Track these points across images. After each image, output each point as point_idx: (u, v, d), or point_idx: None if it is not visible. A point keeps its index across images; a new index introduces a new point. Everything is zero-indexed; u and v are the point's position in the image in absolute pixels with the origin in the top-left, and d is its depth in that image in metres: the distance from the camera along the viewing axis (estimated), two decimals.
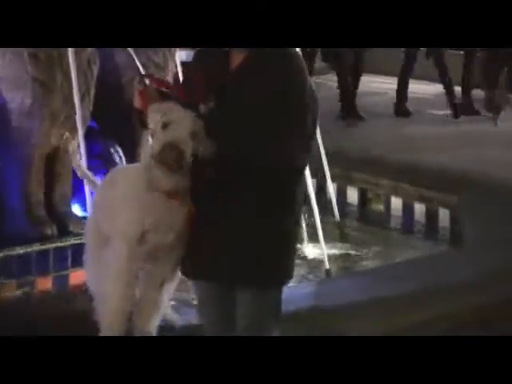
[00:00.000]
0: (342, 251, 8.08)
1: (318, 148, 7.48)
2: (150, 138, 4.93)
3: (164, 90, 5.06)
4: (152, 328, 5.02)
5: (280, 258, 4.73)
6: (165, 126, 4.68)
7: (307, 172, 6.71)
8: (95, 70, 6.73)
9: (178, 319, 5.69)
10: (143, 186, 4.89)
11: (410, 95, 15.40)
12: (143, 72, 7.06)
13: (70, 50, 6.65)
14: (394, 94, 15.71)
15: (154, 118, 4.77)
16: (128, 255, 4.92)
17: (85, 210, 6.86)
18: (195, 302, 5.08)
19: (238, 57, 4.75)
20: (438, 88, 15.75)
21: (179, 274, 4.91)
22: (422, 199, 8.99)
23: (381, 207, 9.37)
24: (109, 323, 5.02)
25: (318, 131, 5.84)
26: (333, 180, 8.42)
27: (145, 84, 4.93)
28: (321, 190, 8.25)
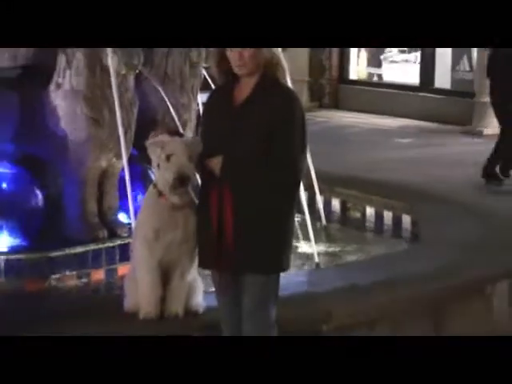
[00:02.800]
0: (328, 248, 7.95)
1: (309, 168, 7.40)
2: (156, 168, 5.06)
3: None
4: (179, 310, 5.12)
5: (280, 252, 4.81)
6: (168, 158, 4.82)
7: (301, 187, 6.41)
8: (135, 109, 6.78)
9: (201, 304, 5.40)
10: (155, 199, 5.11)
11: (379, 127, 15.88)
12: (172, 110, 7.19)
13: (115, 94, 6.49)
14: (362, 126, 16.09)
15: (154, 151, 4.92)
16: (148, 248, 5.12)
17: (128, 217, 6.88)
18: (213, 289, 5.11)
19: (245, 90, 4.80)
20: (401, 121, 16.39)
21: (196, 265, 5.03)
22: (388, 208, 8.77)
23: (357, 214, 9.20)
24: (143, 304, 5.19)
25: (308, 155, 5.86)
26: (320, 193, 8.30)
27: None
28: (311, 200, 8.04)
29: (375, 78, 19.16)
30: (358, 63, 19.72)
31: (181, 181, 4.90)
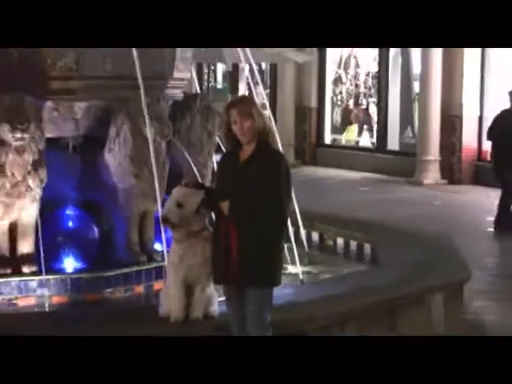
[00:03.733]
0: (309, 269, 8.42)
1: (294, 208, 7.92)
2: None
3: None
4: (200, 315, 5.60)
5: (273, 271, 5.23)
6: (179, 205, 5.31)
7: (289, 222, 6.65)
8: (167, 166, 7.23)
9: (216, 310, 5.82)
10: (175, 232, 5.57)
11: (346, 179, 17.92)
12: (194, 167, 7.62)
13: (152, 156, 6.75)
14: (334, 178, 17.84)
15: (171, 198, 5.47)
16: (174, 270, 5.57)
17: (161, 246, 7.17)
18: (224, 299, 5.47)
19: (247, 152, 5.15)
20: (361, 175, 18.22)
21: (212, 281, 5.47)
22: (354, 238, 9.34)
23: (331, 243, 9.58)
24: (173, 310, 5.65)
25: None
26: (303, 227, 8.79)
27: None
28: (296, 232, 8.59)
29: (342, 142, 20.17)
30: (331, 132, 20.93)
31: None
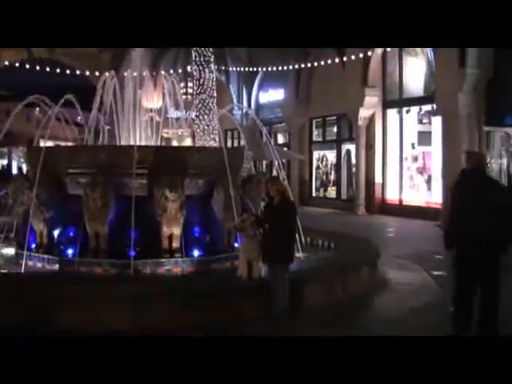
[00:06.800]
0: (304, 255, 9.13)
1: (299, 226, 7.66)
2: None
3: None
4: (256, 275, 6.43)
5: (290, 253, 6.15)
6: (244, 222, 6.30)
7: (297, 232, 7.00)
8: (239, 207, 8.12)
9: (262, 271, 6.55)
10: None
11: (327, 211, 23.26)
12: (251, 207, 8.52)
13: (233, 204, 7.74)
14: (320, 211, 23.25)
15: (241, 219, 6.37)
16: (242, 253, 6.55)
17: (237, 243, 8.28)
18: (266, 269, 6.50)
19: (275, 201, 6.05)
20: (330, 210, 23.69)
21: (260, 260, 6.42)
22: (326, 240, 10.34)
23: (316, 242, 10.54)
24: (242, 273, 6.54)
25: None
26: (303, 234, 9.04)
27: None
28: (299, 237, 8.23)
29: (320, 195, 26.93)
30: (316, 189, 27.90)
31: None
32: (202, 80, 20.91)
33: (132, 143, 9.59)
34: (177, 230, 8.28)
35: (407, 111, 21.83)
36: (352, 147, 24.53)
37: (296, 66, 24.64)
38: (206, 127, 20.72)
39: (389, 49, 21.90)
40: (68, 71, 24.58)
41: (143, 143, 9.83)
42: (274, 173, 16.71)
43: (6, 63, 24.82)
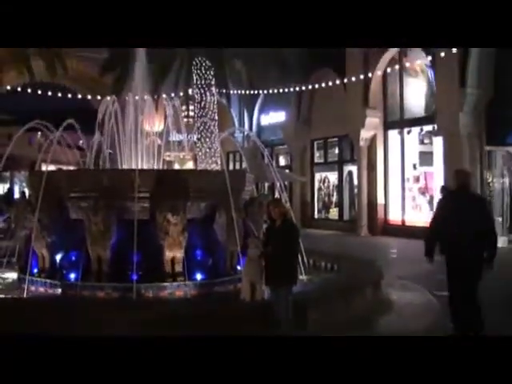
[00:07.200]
0: (307, 277, 9.17)
1: (302, 248, 7.80)
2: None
3: None
4: (259, 298, 6.55)
5: (293, 276, 6.12)
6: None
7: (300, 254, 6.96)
8: (242, 230, 8.35)
9: (266, 293, 6.55)
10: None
11: (329, 233, 23.16)
12: (254, 230, 8.59)
13: (236, 226, 7.92)
14: (321, 233, 23.48)
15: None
16: (245, 276, 6.67)
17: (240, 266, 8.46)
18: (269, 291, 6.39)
19: (277, 223, 5.98)
20: (332, 232, 23.74)
21: (263, 282, 6.36)
22: (329, 261, 10.48)
23: (321, 265, 10.62)
24: (245, 295, 6.66)
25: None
26: (307, 257, 9.12)
27: None
28: (302, 259, 8.26)
29: (322, 217, 27.15)
30: (318, 211, 27.98)
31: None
32: (203, 103, 21.12)
33: (134, 167, 9.65)
34: (179, 254, 8.25)
35: (408, 132, 22.02)
36: (354, 168, 24.71)
37: (297, 89, 24.76)
38: (207, 150, 20.87)
39: (389, 69, 22.11)
40: (69, 95, 24.75)
41: (145, 167, 9.86)
42: (276, 195, 16.60)
43: (8, 88, 24.97)
